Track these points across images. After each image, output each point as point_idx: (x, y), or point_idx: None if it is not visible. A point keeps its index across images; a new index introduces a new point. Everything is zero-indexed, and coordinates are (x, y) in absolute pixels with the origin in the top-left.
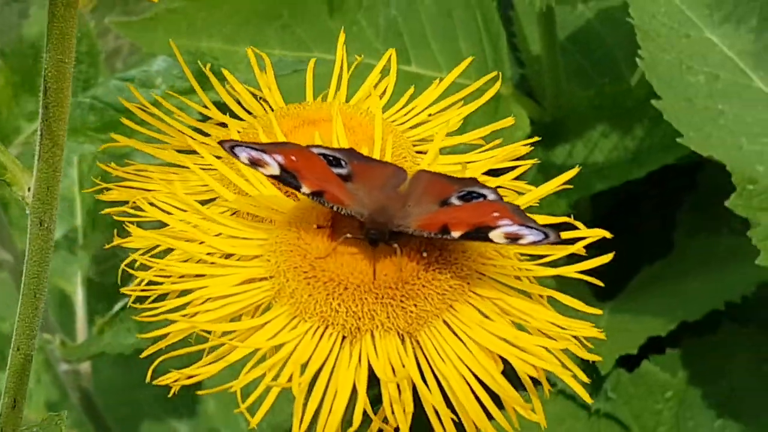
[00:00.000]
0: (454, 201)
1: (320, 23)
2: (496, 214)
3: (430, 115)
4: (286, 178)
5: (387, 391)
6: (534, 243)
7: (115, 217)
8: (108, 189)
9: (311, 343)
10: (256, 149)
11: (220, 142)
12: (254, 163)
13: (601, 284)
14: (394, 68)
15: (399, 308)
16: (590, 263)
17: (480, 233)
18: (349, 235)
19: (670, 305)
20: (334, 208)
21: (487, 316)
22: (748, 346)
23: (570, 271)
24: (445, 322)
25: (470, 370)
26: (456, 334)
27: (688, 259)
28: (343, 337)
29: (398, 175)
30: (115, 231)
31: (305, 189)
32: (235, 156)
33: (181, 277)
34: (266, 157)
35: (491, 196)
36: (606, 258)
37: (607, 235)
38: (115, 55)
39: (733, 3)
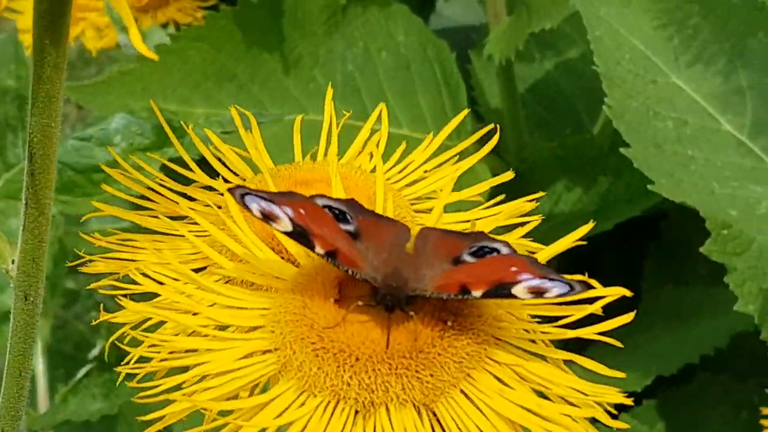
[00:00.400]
0: (467, 258)
1: (276, 81)
2: (514, 269)
3: (425, 171)
4: (299, 236)
5: None
6: (560, 296)
7: (101, 291)
8: (92, 261)
9: (322, 420)
10: (266, 199)
11: (230, 190)
12: (266, 217)
13: (620, 345)
14: (386, 126)
15: (414, 379)
16: (612, 323)
17: (502, 290)
18: (360, 303)
19: (644, 360)
20: (349, 272)
21: (506, 384)
22: (724, 395)
23: (589, 332)
24: (462, 392)
25: None
26: (475, 404)
27: (657, 311)
28: (356, 412)
29: (402, 233)
30: (101, 306)
31: (319, 249)
32: (246, 207)
33: (171, 352)
34: (276, 210)
35: (504, 250)
36: (628, 317)
37: (627, 293)
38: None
39: (700, 46)
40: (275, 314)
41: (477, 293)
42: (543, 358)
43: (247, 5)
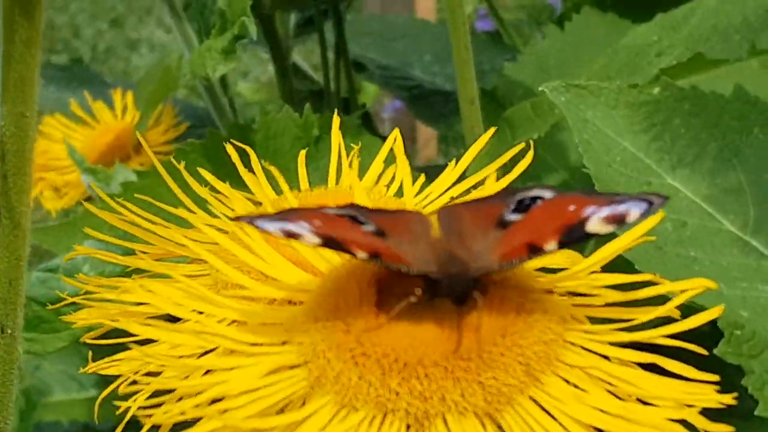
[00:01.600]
0: (512, 217)
1: None
2: (572, 207)
3: (452, 198)
4: (333, 245)
5: None
6: (643, 215)
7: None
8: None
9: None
10: (278, 219)
11: (237, 219)
12: (289, 236)
13: (704, 352)
14: (402, 156)
15: (475, 383)
16: (696, 319)
17: (576, 233)
18: (413, 299)
19: None
20: (399, 269)
21: (581, 389)
22: None
23: (670, 330)
24: (532, 398)
25: None
26: (547, 412)
27: None
28: (408, 427)
29: (422, 221)
30: (90, 353)
31: (361, 254)
32: (264, 230)
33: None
34: (293, 227)
35: (548, 194)
36: (717, 310)
37: (712, 285)
38: None
39: (693, 144)
40: (303, 324)
41: (550, 245)
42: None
43: (215, 138)
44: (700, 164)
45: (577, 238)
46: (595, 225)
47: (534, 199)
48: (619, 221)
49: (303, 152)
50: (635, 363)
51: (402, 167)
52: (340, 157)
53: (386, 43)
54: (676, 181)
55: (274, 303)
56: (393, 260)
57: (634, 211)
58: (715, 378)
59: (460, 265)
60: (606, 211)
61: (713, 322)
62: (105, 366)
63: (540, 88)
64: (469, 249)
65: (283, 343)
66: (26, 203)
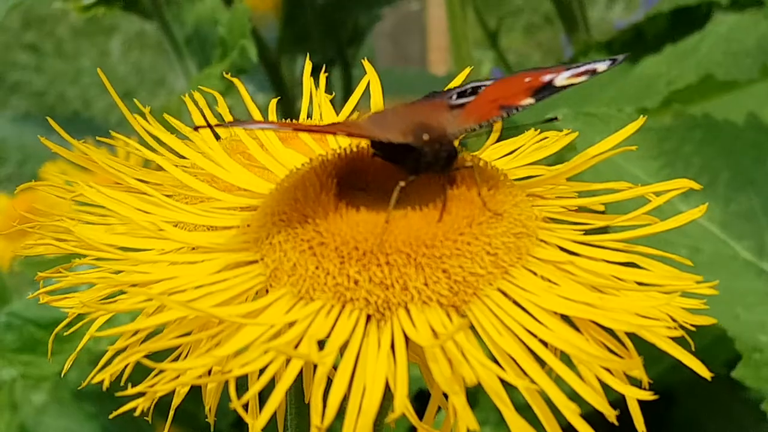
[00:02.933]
0: (464, 100)
1: None
2: (528, 79)
3: None
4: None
5: (437, 367)
6: (611, 65)
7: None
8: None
9: (326, 322)
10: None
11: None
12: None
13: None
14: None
15: (440, 271)
16: (683, 217)
17: (549, 88)
18: (402, 183)
19: None
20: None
21: (553, 282)
22: None
23: (647, 232)
24: (500, 290)
25: (539, 338)
26: (518, 304)
27: None
28: (368, 317)
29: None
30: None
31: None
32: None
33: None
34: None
35: (487, 82)
36: (700, 210)
37: (694, 185)
38: None
39: (706, 171)
40: (259, 221)
41: (526, 101)
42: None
43: None
44: (713, 191)
45: (550, 90)
46: (565, 78)
47: (475, 87)
48: (589, 73)
49: (274, 99)
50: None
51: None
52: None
53: (396, 96)
54: (689, 207)
55: (238, 210)
56: (374, 135)
57: (601, 65)
58: (697, 277)
59: (438, 130)
60: (569, 71)
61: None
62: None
63: (548, 116)
64: (439, 121)
65: (241, 242)
66: None
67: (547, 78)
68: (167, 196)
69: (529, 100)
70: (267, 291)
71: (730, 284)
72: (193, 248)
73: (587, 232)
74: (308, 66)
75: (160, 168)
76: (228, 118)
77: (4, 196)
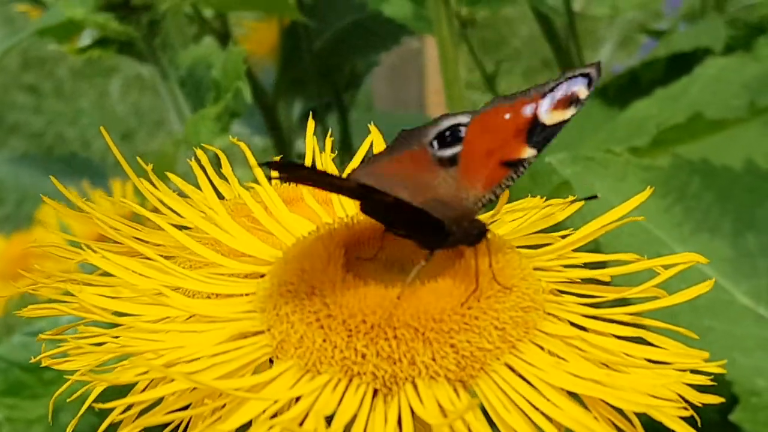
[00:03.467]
0: (448, 152)
1: None
2: (509, 116)
3: None
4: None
5: None
6: (589, 85)
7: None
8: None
9: (333, 397)
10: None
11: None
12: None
13: (694, 336)
14: None
15: (447, 346)
16: (688, 293)
17: (537, 131)
18: (424, 262)
19: None
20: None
21: (560, 357)
22: None
23: (655, 306)
24: (508, 365)
25: (546, 415)
26: (525, 379)
27: None
28: (375, 392)
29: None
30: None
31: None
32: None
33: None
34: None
35: (464, 118)
36: (707, 285)
37: (702, 260)
38: None
39: (703, 215)
40: (265, 291)
41: (525, 152)
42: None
43: None
44: (711, 237)
45: (543, 136)
46: (550, 115)
47: (453, 129)
48: (573, 102)
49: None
50: (618, 337)
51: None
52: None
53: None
54: (687, 251)
55: (242, 277)
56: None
57: (581, 88)
58: (704, 354)
59: (460, 207)
60: (548, 100)
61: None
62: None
63: (546, 160)
64: (450, 192)
65: (247, 312)
66: None
67: (528, 111)
68: (168, 257)
69: (531, 152)
70: (271, 362)
71: (729, 329)
72: (198, 316)
73: (595, 305)
74: (311, 126)
75: (160, 227)
76: (231, 176)
77: (1, 237)
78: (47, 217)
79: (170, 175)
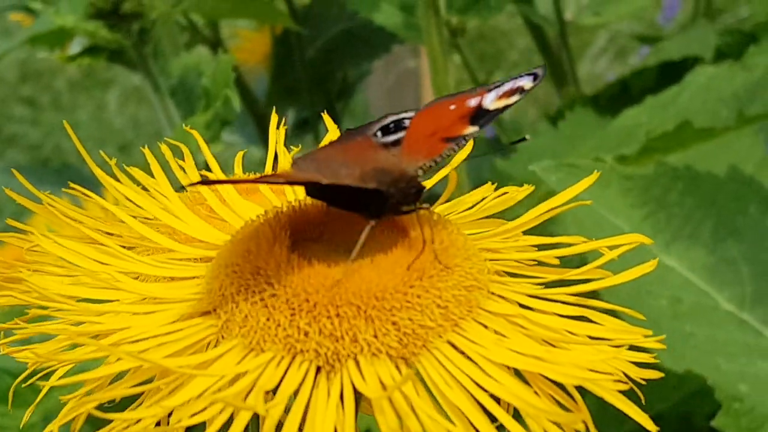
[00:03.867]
0: (393, 137)
1: None
2: (453, 107)
3: None
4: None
5: (384, 419)
6: (534, 82)
7: None
8: None
9: (276, 373)
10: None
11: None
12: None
13: (639, 316)
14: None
15: (389, 323)
16: (632, 272)
17: (482, 114)
18: (372, 223)
19: None
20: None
21: (502, 335)
22: None
23: (598, 286)
24: (450, 343)
25: (487, 391)
26: (467, 356)
27: None
28: (318, 369)
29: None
30: None
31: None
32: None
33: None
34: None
35: (409, 114)
36: (650, 265)
37: (646, 240)
38: None
39: (686, 222)
40: (212, 272)
41: (468, 129)
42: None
43: None
44: (695, 242)
45: (486, 118)
46: (494, 104)
47: (396, 122)
48: (518, 92)
49: (241, 152)
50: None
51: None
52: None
53: None
54: (671, 259)
55: (194, 261)
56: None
57: (526, 82)
58: (645, 331)
59: (397, 170)
60: (494, 93)
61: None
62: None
63: (530, 168)
64: (388, 161)
65: (195, 294)
66: None
67: (473, 102)
68: (129, 248)
69: (472, 128)
70: (218, 342)
71: (711, 334)
72: (149, 299)
73: (546, 286)
74: (274, 120)
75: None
76: (213, 164)
77: None
78: (39, 225)
79: (133, 169)
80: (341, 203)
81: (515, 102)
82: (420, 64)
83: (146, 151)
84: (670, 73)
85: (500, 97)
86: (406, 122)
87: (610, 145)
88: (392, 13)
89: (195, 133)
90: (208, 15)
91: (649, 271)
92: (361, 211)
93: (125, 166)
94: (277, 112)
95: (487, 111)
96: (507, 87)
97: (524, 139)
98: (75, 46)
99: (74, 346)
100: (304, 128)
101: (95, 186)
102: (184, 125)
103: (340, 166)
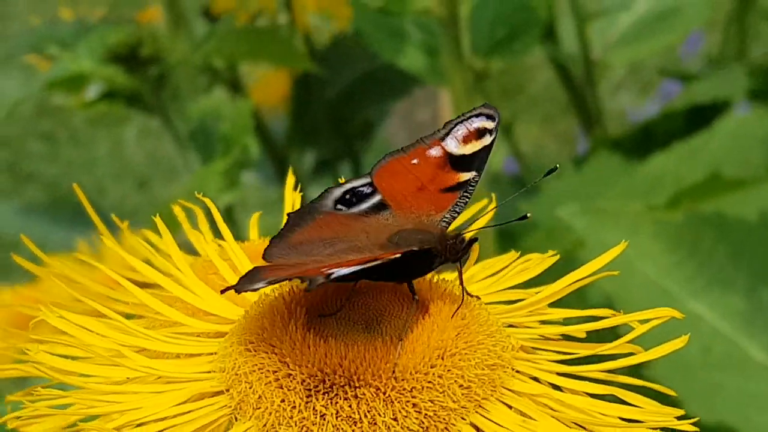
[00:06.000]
0: (367, 204)
1: None
2: (416, 161)
3: None
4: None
5: None
6: (495, 125)
7: None
8: None
9: None
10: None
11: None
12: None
13: (672, 393)
14: None
15: (410, 405)
16: (666, 347)
17: (454, 160)
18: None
19: None
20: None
21: (528, 416)
22: None
23: (626, 363)
24: (473, 425)
25: None
26: None
27: None
28: None
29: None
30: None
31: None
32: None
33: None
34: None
35: (357, 182)
36: (682, 341)
37: (677, 314)
38: None
39: (716, 265)
40: (225, 350)
41: (465, 175)
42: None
43: None
44: (727, 290)
45: (471, 162)
46: (462, 148)
47: (351, 191)
48: (482, 133)
49: (256, 214)
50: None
51: None
52: None
53: None
54: (700, 307)
55: (206, 336)
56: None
57: (484, 122)
58: (678, 412)
59: (438, 230)
60: (451, 140)
61: None
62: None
63: (557, 213)
64: (399, 227)
65: (207, 372)
66: None
67: (433, 152)
68: (137, 317)
69: (469, 174)
70: (231, 424)
71: (742, 385)
72: (158, 377)
73: (569, 362)
74: (290, 181)
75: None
76: (222, 226)
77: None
78: (53, 268)
79: (147, 232)
80: (373, 278)
81: (492, 142)
82: (434, 114)
83: (158, 220)
84: (698, 116)
85: (464, 141)
86: (363, 189)
87: (637, 192)
88: (416, 57)
89: (209, 203)
90: (228, 58)
91: (680, 347)
92: (399, 280)
93: (136, 231)
94: (295, 153)
95: (463, 156)
96: (461, 132)
97: (555, 168)
98: (91, 91)
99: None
100: (323, 169)
101: (114, 228)
102: (200, 174)
103: (341, 246)
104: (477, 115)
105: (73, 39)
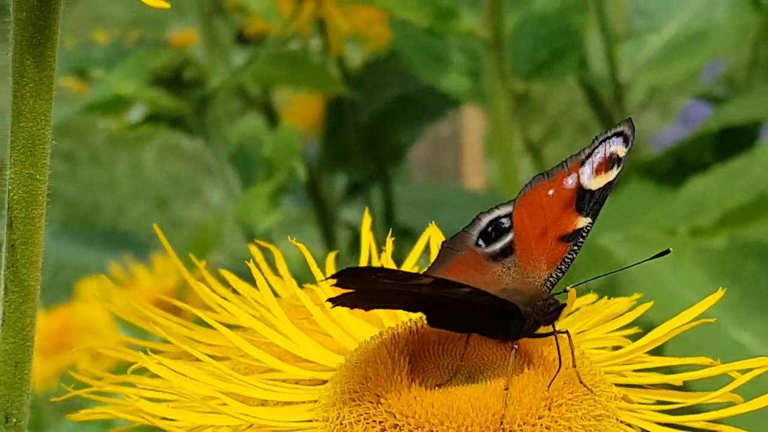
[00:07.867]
0: (498, 245)
1: None
2: (552, 192)
3: None
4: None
5: None
6: (629, 148)
7: None
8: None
9: None
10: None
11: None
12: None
13: None
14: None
15: None
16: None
17: (584, 198)
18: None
19: None
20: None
21: None
22: None
23: (728, 414)
24: None
25: None
26: None
27: None
28: None
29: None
30: None
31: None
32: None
33: None
34: None
35: (504, 209)
36: None
37: None
38: None
39: (760, 293)
40: (328, 399)
41: (581, 221)
42: None
43: None
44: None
45: (594, 202)
46: (594, 181)
47: (493, 223)
48: (614, 163)
49: (332, 254)
50: None
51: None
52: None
53: (434, 212)
54: (744, 337)
55: (302, 383)
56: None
57: (618, 147)
58: None
59: (530, 290)
60: (588, 167)
61: None
62: None
63: (599, 241)
64: (507, 282)
65: (309, 421)
66: (36, 276)
67: (570, 182)
68: (222, 359)
69: (585, 220)
70: None
71: None
72: (256, 425)
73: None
74: (367, 221)
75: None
76: (285, 274)
77: (42, 314)
78: (89, 291)
79: (225, 273)
80: (469, 326)
81: (617, 177)
82: (456, 129)
83: (252, 265)
84: (731, 140)
85: (597, 171)
86: (504, 222)
87: (678, 216)
88: (458, 79)
89: (276, 252)
90: (263, 82)
91: None
92: (491, 334)
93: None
94: (327, 176)
95: (591, 192)
96: (599, 157)
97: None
98: (134, 114)
99: None
100: (355, 193)
101: (142, 250)
102: (243, 198)
103: None
104: (618, 134)
105: (107, 62)
